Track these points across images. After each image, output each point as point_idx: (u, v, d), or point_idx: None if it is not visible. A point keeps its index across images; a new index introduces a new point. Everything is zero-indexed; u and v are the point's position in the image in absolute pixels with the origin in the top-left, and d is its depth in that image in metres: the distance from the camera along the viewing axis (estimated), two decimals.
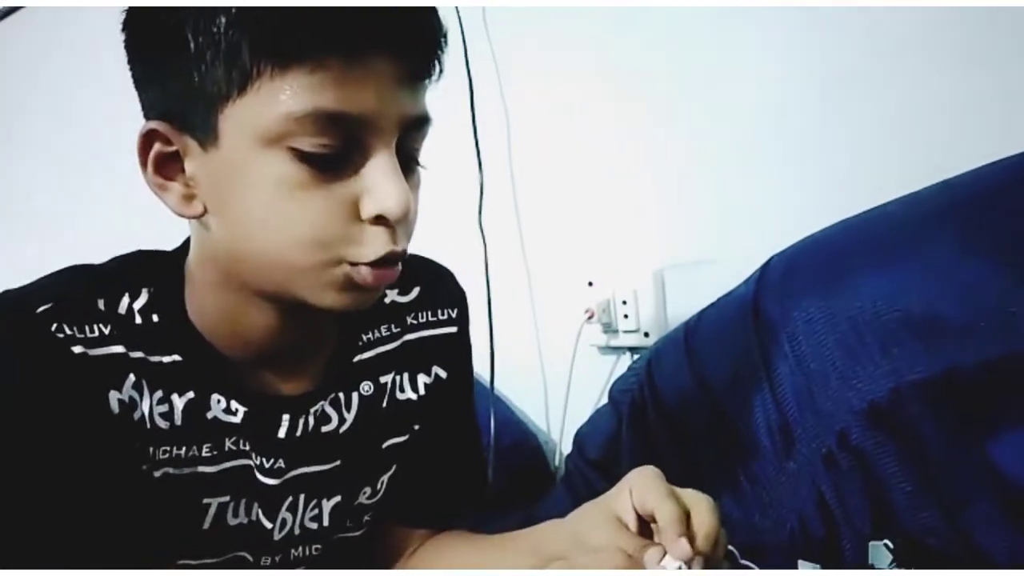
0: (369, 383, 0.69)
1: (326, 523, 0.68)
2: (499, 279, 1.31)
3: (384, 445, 0.71)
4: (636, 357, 1.19)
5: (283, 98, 0.49)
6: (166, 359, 0.59)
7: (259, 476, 0.64)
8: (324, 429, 0.66)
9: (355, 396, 0.68)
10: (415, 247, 0.60)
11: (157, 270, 0.61)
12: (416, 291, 0.72)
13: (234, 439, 0.62)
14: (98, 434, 0.56)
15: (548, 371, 1.30)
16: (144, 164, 0.54)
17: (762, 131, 1.07)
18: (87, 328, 0.56)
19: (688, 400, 0.93)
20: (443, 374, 0.73)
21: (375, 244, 0.54)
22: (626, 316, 1.17)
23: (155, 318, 0.59)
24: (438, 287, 0.73)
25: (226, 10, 0.48)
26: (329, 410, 0.67)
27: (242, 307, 0.59)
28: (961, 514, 0.73)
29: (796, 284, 0.90)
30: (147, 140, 0.54)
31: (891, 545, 0.82)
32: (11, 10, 1.94)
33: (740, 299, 0.95)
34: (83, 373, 0.55)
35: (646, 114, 1.15)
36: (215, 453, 0.62)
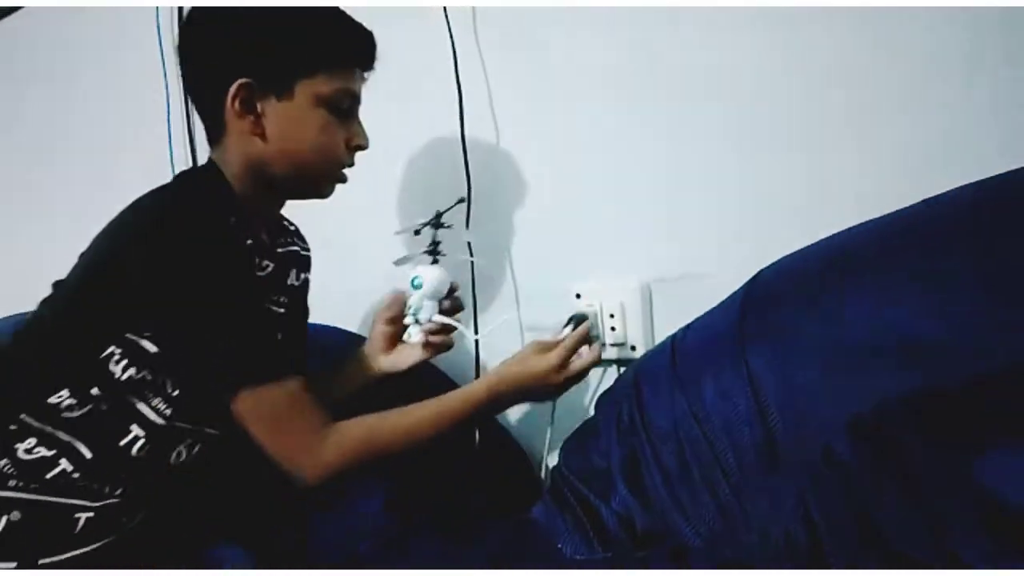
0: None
1: None
2: (486, 291, 1.31)
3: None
4: (623, 370, 1.18)
5: (335, 81, 0.94)
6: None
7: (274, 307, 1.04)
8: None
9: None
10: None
11: (213, 187, 0.95)
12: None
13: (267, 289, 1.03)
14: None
15: None
16: (232, 103, 0.91)
17: (751, 145, 1.07)
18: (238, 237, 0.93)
19: (674, 413, 0.93)
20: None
21: (352, 157, 1.00)
22: (613, 329, 1.17)
23: (233, 219, 0.91)
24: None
25: (344, 31, 0.96)
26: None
27: (260, 195, 0.98)
28: (946, 531, 0.73)
29: (783, 299, 0.90)
30: (238, 89, 0.90)
31: (579, 315, 1.07)
32: (9, 10, 1.92)
33: (727, 313, 0.95)
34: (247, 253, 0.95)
35: (636, 125, 1.16)
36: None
